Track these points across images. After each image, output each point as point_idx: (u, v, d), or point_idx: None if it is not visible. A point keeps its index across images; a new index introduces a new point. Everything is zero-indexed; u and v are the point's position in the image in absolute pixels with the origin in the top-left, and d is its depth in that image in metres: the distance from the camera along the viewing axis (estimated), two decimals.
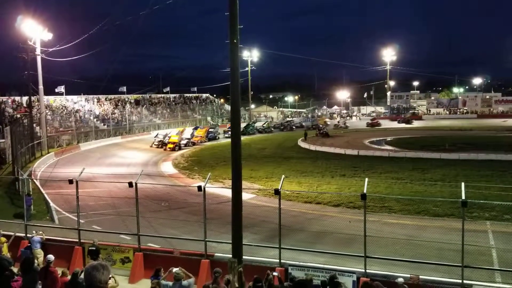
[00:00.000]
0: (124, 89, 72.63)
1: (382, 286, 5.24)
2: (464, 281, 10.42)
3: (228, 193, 14.39)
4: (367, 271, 11.19)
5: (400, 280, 9.84)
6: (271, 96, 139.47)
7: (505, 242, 15.69)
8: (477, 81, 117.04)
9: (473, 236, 15.51)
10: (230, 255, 11.81)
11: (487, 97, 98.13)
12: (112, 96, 71.63)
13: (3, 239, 12.97)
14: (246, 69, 77.32)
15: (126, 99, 72.43)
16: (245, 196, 17.51)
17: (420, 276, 10.85)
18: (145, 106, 72.99)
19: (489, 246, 15.32)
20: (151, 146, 49.24)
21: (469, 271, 10.88)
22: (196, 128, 57.58)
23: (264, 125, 69.90)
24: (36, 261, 10.33)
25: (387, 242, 14.76)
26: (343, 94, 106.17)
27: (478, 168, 29.21)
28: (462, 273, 10.56)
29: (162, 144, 48.42)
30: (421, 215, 19.06)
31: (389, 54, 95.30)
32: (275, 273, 9.63)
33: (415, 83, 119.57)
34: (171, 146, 46.91)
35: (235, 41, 11.28)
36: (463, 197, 10.77)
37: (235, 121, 12.02)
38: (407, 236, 16.64)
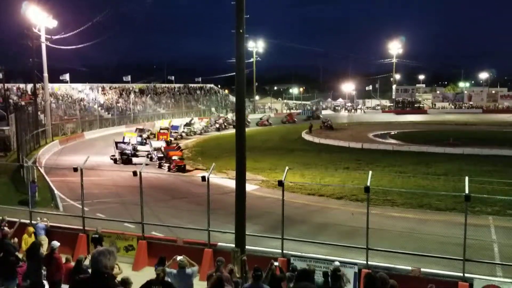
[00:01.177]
0: (129, 78, 72.61)
1: (387, 278, 5.26)
2: (465, 275, 10.48)
3: (231, 184, 14.47)
4: (368, 263, 11.27)
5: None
6: (275, 88, 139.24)
7: (507, 236, 15.71)
8: (483, 75, 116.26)
9: (475, 231, 15.53)
10: (233, 245, 11.90)
11: (493, 92, 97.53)
12: (117, 85, 71.68)
13: (31, 229, 13.08)
14: (251, 60, 77.13)
15: (131, 88, 72.46)
16: (249, 187, 17.56)
17: (422, 269, 10.91)
18: (149, 95, 73.02)
19: (491, 240, 15.36)
20: None
21: (470, 264, 10.93)
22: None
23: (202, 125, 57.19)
24: (40, 248, 10.43)
25: (390, 234, 14.83)
26: (348, 87, 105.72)
27: (482, 163, 29.13)
28: (464, 266, 10.62)
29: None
30: (423, 209, 19.09)
31: (395, 47, 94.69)
32: (276, 263, 9.71)
33: (421, 77, 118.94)
34: None
35: (241, 31, 11.27)
36: (467, 191, 10.79)
37: (241, 111, 12.05)
38: (409, 229, 16.72)
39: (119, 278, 7.17)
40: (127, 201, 19.10)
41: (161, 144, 34.60)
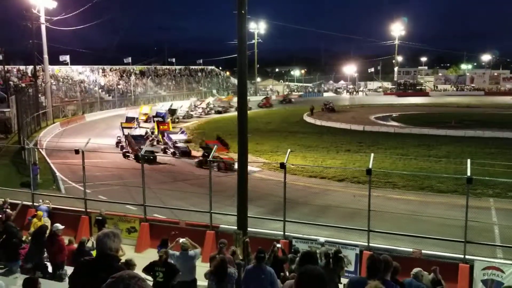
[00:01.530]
0: (129, 59, 72.08)
1: (390, 259, 5.25)
2: (466, 256, 10.54)
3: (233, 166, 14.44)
4: (370, 244, 11.32)
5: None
6: (277, 70, 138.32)
7: (508, 219, 15.75)
8: (485, 57, 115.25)
9: (476, 213, 15.54)
10: (235, 227, 11.96)
11: (495, 74, 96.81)
12: (117, 67, 71.25)
13: (40, 213, 13.11)
14: (253, 41, 76.44)
15: (131, 70, 72.03)
16: (251, 169, 17.58)
17: (423, 251, 10.96)
18: (150, 77, 72.62)
19: (492, 222, 15.43)
20: None
21: (471, 246, 10.99)
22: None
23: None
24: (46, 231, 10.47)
25: (391, 217, 14.84)
26: (350, 69, 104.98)
27: (484, 146, 29.10)
28: (465, 248, 10.68)
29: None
30: (425, 191, 19.12)
31: (397, 29, 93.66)
32: (278, 245, 9.75)
33: (423, 59, 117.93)
34: None
35: (243, 11, 11.11)
36: (469, 174, 10.78)
37: (242, 93, 11.96)
38: (410, 211, 16.74)
39: (123, 260, 7.21)
40: (129, 183, 19.14)
41: (181, 137, 31.26)
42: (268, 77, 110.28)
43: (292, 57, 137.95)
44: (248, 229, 11.97)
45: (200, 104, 57.54)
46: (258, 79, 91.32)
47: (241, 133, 11.70)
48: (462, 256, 10.60)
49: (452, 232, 12.67)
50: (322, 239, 10.89)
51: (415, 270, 7.46)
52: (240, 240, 10.82)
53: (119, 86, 63.22)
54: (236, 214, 12.05)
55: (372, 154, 12.25)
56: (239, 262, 8.74)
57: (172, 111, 45.68)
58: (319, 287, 3.07)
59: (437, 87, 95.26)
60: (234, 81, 76.90)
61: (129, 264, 7.22)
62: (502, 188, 18.68)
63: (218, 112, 55.67)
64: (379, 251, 10.55)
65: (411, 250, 11.01)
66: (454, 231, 12.31)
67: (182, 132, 33.16)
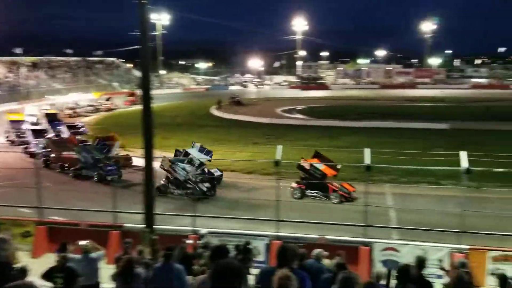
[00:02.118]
0: (20, 50, 66.18)
1: (297, 248, 5.34)
2: (366, 239, 11.17)
3: (139, 162, 13.89)
4: (279, 234, 11.54)
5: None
6: (183, 62, 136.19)
7: (402, 202, 17.09)
8: (380, 53, 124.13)
9: (374, 198, 16.66)
10: (143, 225, 11.50)
11: (389, 68, 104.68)
12: (5, 58, 65.09)
13: None
14: (156, 32, 74.36)
15: (22, 62, 66.26)
16: (157, 164, 17.05)
17: (327, 236, 11.43)
18: (43, 69, 67.40)
19: (388, 206, 16.60)
20: None
21: (370, 230, 11.69)
22: None
23: None
24: None
25: (299, 206, 15.35)
26: (256, 63, 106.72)
27: (381, 135, 31.26)
28: (365, 231, 11.32)
29: None
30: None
31: (300, 24, 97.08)
32: (189, 241, 9.55)
33: (324, 54, 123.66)
34: None
35: (144, 1, 10.62)
36: (367, 162, 11.44)
37: (146, 85, 11.48)
38: (316, 200, 17.46)
39: (18, 267, 6.53)
40: (22, 184, 17.55)
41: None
42: (174, 69, 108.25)
43: (198, 50, 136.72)
44: (157, 226, 11.58)
45: (109, 101, 55.24)
46: (163, 72, 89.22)
47: (146, 128, 11.23)
48: (363, 239, 11.21)
49: (354, 217, 13.44)
50: (204, 231, 10.85)
51: (316, 251, 7.71)
52: (147, 239, 10.42)
53: (8, 79, 57.80)
54: (142, 212, 11.58)
55: (280, 146, 12.48)
56: (146, 262, 8.38)
57: (50, 116, 32.62)
58: (236, 280, 3.00)
59: (337, 81, 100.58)
60: (137, 73, 74.36)
61: (24, 271, 6.56)
62: (397, 174, 20.21)
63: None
64: (287, 240, 10.83)
65: (317, 236, 11.42)
66: (356, 216, 13.05)
67: (82, 127, 31.30)
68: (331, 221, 13.70)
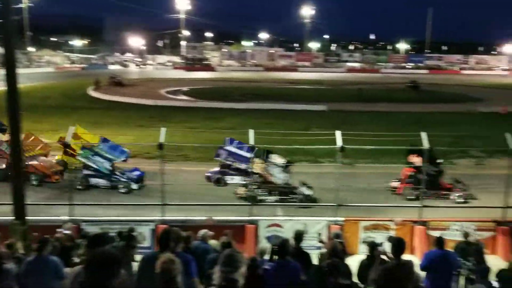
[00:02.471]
0: None
1: (179, 231, 5.29)
2: (252, 218, 11.47)
3: None
4: (165, 218, 11.31)
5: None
6: (55, 39, 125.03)
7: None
8: (263, 36, 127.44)
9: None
10: (12, 217, 10.40)
11: (272, 51, 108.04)
12: None
13: None
14: (22, 5, 67.17)
15: None
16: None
17: (215, 218, 11.50)
18: None
19: None
20: None
21: (255, 208, 12.04)
22: None
23: None
24: None
25: (186, 189, 15.17)
26: (137, 41, 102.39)
27: (264, 116, 32.21)
28: (251, 211, 11.61)
29: None
30: (215, 161, 20.10)
31: (183, 2, 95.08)
32: (66, 231, 8.89)
33: (209, 35, 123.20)
34: None
35: None
36: (252, 143, 11.69)
37: (11, 63, 10.25)
38: (203, 182, 17.44)
39: None
40: None
41: None
42: (44, 46, 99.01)
43: (72, 25, 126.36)
44: (30, 217, 10.56)
45: None
46: (32, 49, 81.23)
47: (12, 111, 10.07)
48: (249, 218, 11.50)
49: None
50: (65, 218, 10.36)
51: (201, 232, 7.72)
52: (18, 231, 9.46)
53: None
54: (11, 202, 10.46)
55: (164, 128, 12.14)
56: (18, 256, 7.60)
57: None
58: (110, 269, 2.82)
59: (222, 62, 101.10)
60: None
61: None
62: (280, 154, 20.98)
63: None
64: (173, 224, 10.65)
65: (204, 218, 11.42)
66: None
67: None
68: (218, 202, 13.81)
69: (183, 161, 19.97)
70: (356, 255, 9.97)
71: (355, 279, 6.43)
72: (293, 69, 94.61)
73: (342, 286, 5.09)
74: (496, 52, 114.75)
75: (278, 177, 15.77)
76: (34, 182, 16.24)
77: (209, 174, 17.52)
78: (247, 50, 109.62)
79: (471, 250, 8.65)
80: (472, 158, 21.05)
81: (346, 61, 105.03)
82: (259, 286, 5.19)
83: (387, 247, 5.72)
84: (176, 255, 3.90)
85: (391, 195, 15.92)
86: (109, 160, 16.58)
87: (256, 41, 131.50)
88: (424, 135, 11.33)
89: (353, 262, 6.87)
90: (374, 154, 19.99)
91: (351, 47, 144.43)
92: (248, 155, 15.37)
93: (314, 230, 11.01)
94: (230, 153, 16.81)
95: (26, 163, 14.46)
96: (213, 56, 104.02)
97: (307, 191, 15.18)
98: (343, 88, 57.70)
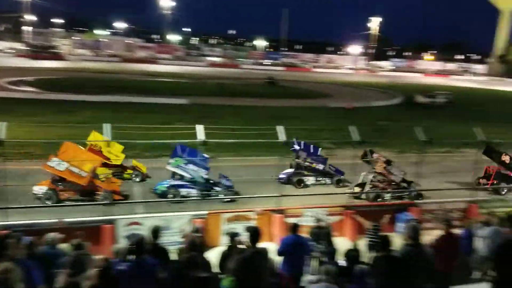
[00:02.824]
0: None
1: (20, 237, 4.81)
2: (109, 217, 10.84)
3: None
4: (8, 223, 10.03)
5: None
6: None
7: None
8: (120, 25, 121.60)
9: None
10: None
11: (130, 42, 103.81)
12: None
13: None
14: None
15: None
16: None
17: (66, 220, 10.56)
18: None
19: (131, 182, 16.57)
20: None
21: (116, 207, 11.41)
22: None
23: None
24: None
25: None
26: None
27: (123, 110, 30.78)
28: (108, 210, 10.96)
29: None
30: None
31: None
32: None
33: (58, 21, 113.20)
34: None
35: None
36: (109, 138, 11.00)
37: None
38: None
39: None
40: None
41: None
42: None
43: None
44: None
45: None
46: None
47: None
48: (106, 217, 10.83)
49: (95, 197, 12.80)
50: None
51: (50, 236, 7.09)
52: None
53: None
54: None
55: (4, 123, 10.73)
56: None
57: None
58: None
59: (74, 51, 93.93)
60: None
61: None
62: (141, 149, 20.28)
63: None
64: (17, 229, 9.50)
65: (55, 221, 10.41)
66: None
67: None
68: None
69: (28, 159, 18.04)
70: (219, 246, 10.07)
71: (217, 270, 6.48)
72: (153, 61, 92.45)
73: (201, 279, 5.12)
74: (343, 52, 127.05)
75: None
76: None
77: (283, 176, 16.80)
78: (102, 39, 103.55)
79: (323, 234, 9.37)
80: (324, 149, 22.93)
81: (207, 55, 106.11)
82: (113, 287, 4.92)
83: (245, 236, 5.85)
84: (16, 263, 3.55)
85: (251, 186, 16.42)
86: (205, 168, 14.94)
87: (112, 30, 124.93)
88: (280, 129, 11.91)
89: (216, 254, 6.88)
90: (235, 147, 20.51)
91: (212, 41, 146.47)
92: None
93: (177, 225, 10.84)
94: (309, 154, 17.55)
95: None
96: (63, 44, 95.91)
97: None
98: (204, 82, 58.19)
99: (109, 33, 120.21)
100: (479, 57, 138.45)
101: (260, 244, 5.47)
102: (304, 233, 9.22)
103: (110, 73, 61.82)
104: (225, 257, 6.52)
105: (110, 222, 10.69)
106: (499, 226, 8.54)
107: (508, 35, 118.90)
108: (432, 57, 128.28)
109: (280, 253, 7.05)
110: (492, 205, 13.67)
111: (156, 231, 6.76)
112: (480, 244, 8.97)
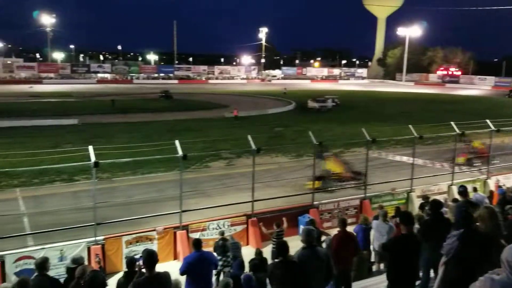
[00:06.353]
0: None
1: None
2: None
3: None
4: None
5: None
6: None
7: (35, 205, 15.94)
8: None
9: (2, 206, 14.92)
10: None
11: (9, 62, 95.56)
12: None
13: None
14: None
15: None
16: None
17: None
18: None
19: (20, 212, 15.16)
20: None
21: (0, 242, 10.38)
22: None
23: None
24: None
25: None
26: None
27: (3, 136, 28.15)
28: None
29: None
30: None
31: None
32: None
33: None
34: None
35: None
36: None
37: None
38: None
39: None
40: None
41: None
42: None
43: None
44: None
45: None
46: None
47: None
48: None
49: None
50: None
51: None
52: None
53: None
54: None
55: None
56: None
57: None
58: None
59: None
60: None
61: None
62: (27, 176, 18.67)
63: None
64: None
65: None
66: None
67: None
68: None
69: None
70: (121, 271, 9.63)
71: None
72: (37, 81, 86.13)
73: None
74: (235, 63, 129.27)
75: None
76: None
77: None
78: None
79: (228, 246, 9.43)
80: (223, 159, 23.09)
81: (96, 72, 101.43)
82: None
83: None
84: None
85: (150, 205, 15.92)
86: None
87: None
88: (177, 143, 11.71)
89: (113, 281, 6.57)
90: (131, 166, 19.80)
91: (101, 57, 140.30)
92: None
93: (72, 254, 10.14)
94: None
95: None
96: None
97: None
98: (94, 99, 55.48)
99: None
100: (365, 61, 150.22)
101: (165, 264, 5.31)
102: (211, 247, 9.22)
103: None
104: (120, 285, 6.21)
105: None
106: (384, 219, 9.30)
107: (384, 39, 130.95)
108: (318, 64, 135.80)
109: (182, 272, 6.85)
110: (383, 199, 14.81)
111: (41, 263, 6.14)
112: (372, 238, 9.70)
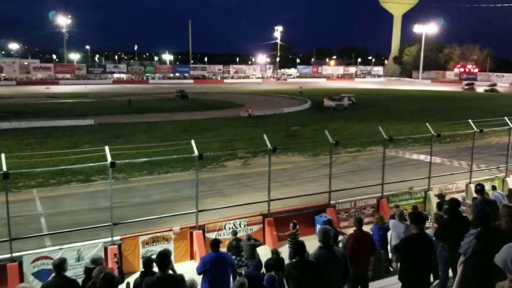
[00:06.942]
0: None
1: None
2: (13, 254, 9.90)
3: None
4: None
5: None
6: None
7: (52, 206, 16.06)
8: (13, 46, 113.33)
9: (20, 207, 15.04)
10: None
11: (26, 63, 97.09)
12: None
13: None
14: None
15: None
16: None
17: None
18: None
19: (38, 213, 15.29)
20: None
21: (19, 242, 10.44)
22: None
23: None
24: None
25: None
26: None
27: (21, 136, 28.53)
28: (11, 246, 9.98)
29: None
30: None
31: None
32: None
33: None
34: None
35: None
36: (4, 169, 10.05)
37: None
38: None
39: None
40: None
41: None
42: None
43: None
44: None
45: None
46: None
47: None
48: (9, 255, 9.86)
49: None
50: None
51: None
52: None
53: None
54: None
55: None
56: None
57: None
58: None
59: None
60: None
61: None
62: (44, 177, 18.85)
63: None
64: None
65: None
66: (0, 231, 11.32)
67: None
68: None
69: None
70: (137, 271, 9.61)
71: None
72: (54, 82, 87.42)
73: None
74: (250, 62, 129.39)
75: None
76: None
77: None
78: None
79: (242, 246, 9.33)
80: (239, 159, 23.02)
81: (112, 72, 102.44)
82: None
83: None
84: None
85: (167, 205, 15.96)
86: None
87: (3, 52, 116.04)
88: (193, 143, 11.66)
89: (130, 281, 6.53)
90: (148, 166, 19.85)
91: (116, 58, 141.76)
92: None
93: (91, 254, 10.15)
94: None
95: None
96: None
97: None
98: (111, 100, 55.96)
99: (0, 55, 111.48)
100: (381, 59, 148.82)
101: (182, 264, 5.24)
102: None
103: (4, 97, 57.17)
104: (137, 285, 6.17)
105: (15, 259, 9.78)
106: (400, 218, 9.10)
107: (400, 37, 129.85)
108: (334, 63, 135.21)
109: (200, 272, 6.83)
110: (400, 198, 14.57)
111: (60, 264, 6.09)
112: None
